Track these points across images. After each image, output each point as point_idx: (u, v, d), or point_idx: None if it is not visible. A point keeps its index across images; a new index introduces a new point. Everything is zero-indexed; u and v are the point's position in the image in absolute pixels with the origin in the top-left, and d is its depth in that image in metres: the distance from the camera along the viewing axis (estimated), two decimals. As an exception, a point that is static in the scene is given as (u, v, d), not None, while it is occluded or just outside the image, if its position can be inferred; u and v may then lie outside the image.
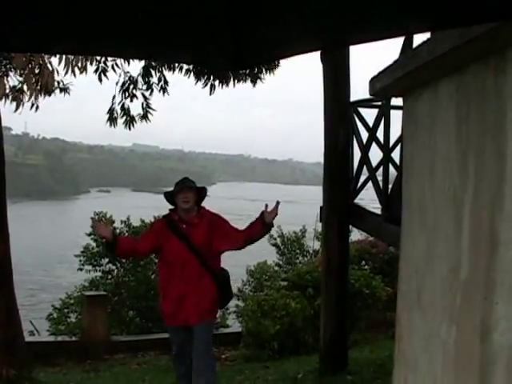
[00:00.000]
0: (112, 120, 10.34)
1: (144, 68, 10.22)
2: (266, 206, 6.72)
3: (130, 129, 10.46)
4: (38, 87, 8.63)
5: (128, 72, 10.27)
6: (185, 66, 10.25)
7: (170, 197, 7.02)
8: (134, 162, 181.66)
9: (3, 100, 8.67)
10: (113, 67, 9.93)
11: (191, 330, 6.76)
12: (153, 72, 10.34)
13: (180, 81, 10.59)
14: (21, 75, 8.74)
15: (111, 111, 10.30)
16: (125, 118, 10.35)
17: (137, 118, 10.48)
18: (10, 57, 8.91)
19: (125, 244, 6.93)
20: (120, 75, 10.16)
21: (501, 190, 2.11)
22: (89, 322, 11.96)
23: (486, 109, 2.24)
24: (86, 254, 16.23)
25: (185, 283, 6.70)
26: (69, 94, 9.92)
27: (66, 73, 8.70)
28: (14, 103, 8.76)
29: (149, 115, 10.51)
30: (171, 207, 7.06)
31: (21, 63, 8.35)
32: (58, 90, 9.51)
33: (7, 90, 8.47)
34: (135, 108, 10.55)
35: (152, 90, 10.39)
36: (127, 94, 10.25)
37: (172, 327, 7.02)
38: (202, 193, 7.03)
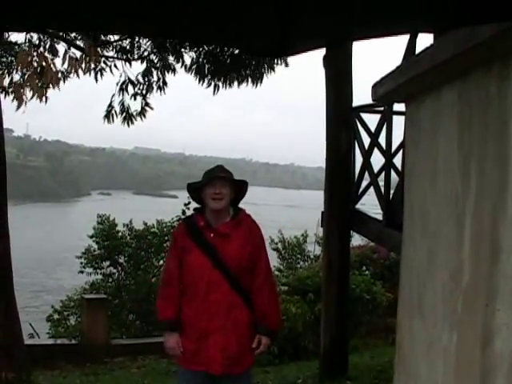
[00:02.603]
0: (109, 116, 10.37)
1: (146, 69, 10.26)
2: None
3: (128, 125, 10.47)
4: (43, 85, 8.61)
5: (125, 72, 10.32)
6: (183, 67, 10.29)
7: (195, 191, 5.13)
8: (136, 165, 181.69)
9: (5, 98, 8.67)
10: (110, 68, 9.97)
11: (214, 380, 4.96)
12: (154, 72, 10.39)
13: (182, 84, 10.65)
14: (23, 74, 8.74)
15: (109, 108, 10.34)
16: (124, 114, 10.37)
17: (134, 114, 10.52)
18: (14, 53, 8.92)
19: (178, 309, 4.97)
20: (121, 75, 10.21)
21: (503, 197, 2.11)
22: (89, 325, 11.95)
23: (488, 115, 2.24)
24: (86, 257, 16.26)
25: (208, 315, 4.85)
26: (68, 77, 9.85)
27: (70, 73, 8.71)
28: (15, 102, 8.72)
29: (145, 112, 10.56)
30: (196, 206, 5.25)
31: (24, 61, 8.35)
32: (66, 88, 9.53)
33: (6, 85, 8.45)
34: (135, 108, 10.61)
35: (152, 88, 10.42)
36: (127, 93, 10.30)
37: (187, 372, 5.03)
38: (241, 189, 5.14)
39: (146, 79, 10.34)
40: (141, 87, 10.38)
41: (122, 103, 10.40)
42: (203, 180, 5.02)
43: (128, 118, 10.43)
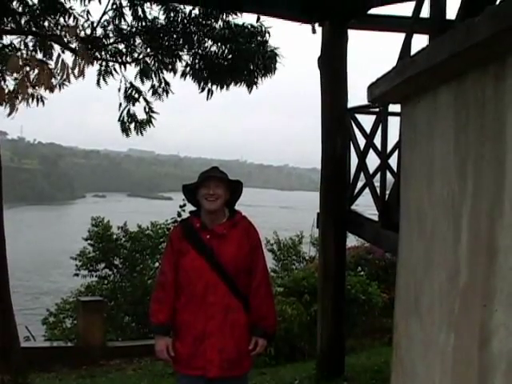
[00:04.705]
0: (126, 130, 10.17)
1: (140, 72, 10.13)
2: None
3: (142, 134, 10.23)
4: (31, 89, 8.51)
5: (125, 78, 10.19)
6: (180, 69, 10.20)
7: (190, 193, 5.11)
8: (130, 167, 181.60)
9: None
10: (111, 72, 9.87)
11: None
12: (152, 74, 10.24)
13: (176, 86, 10.52)
14: (15, 79, 8.66)
15: (122, 120, 10.14)
16: (134, 124, 10.20)
17: (144, 122, 10.34)
18: (4, 60, 8.85)
19: (171, 313, 4.96)
20: (120, 81, 10.09)
21: (500, 198, 2.12)
22: (84, 327, 11.94)
23: (484, 116, 2.25)
24: (82, 259, 16.25)
25: (206, 318, 4.82)
26: (65, 85, 9.73)
27: (61, 78, 8.60)
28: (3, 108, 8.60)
29: (152, 119, 10.35)
30: (192, 208, 5.20)
31: (16, 66, 8.28)
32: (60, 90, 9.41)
33: (5, 96, 8.35)
34: (137, 112, 10.41)
35: (159, 95, 10.27)
36: (130, 99, 10.15)
37: (184, 376, 5.01)
38: (236, 189, 5.14)
39: (143, 81, 10.19)
40: (142, 92, 10.23)
41: (128, 111, 10.20)
42: (197, 181, 5.00)
43: (139, 126, 10.25)
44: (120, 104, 10.11)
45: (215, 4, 9.37)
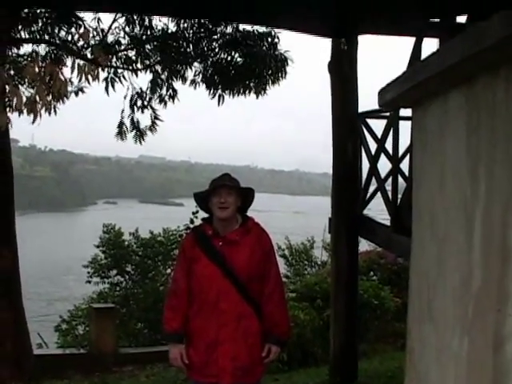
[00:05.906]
0: (121, 134, 10.26)
1: (152, 81, 10.19)
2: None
3: (140, 143, 10.30)
4: (50, 96, 8.60)
5: (133, 85, 10.22)
6: (190, 77, 10.24)
7: (201, 200, 5.13)
8: (141, 174, 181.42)
9: (16, 113, 8.64)
10: (120, 79, 9.91)
11: None
12: (161, 82, 10.30)
13: (187, 93, 10.54)
14: (32, 87, 8.72)
15: (120, 125, 10.23)
16: (134, 132, 10.26)
17: (145, 129, 10.40)
18: (20, 68, 8.92)
19: (184, 320, 4.97)
20: (128, 88, 10.13)
21: (513, 201, 2.11)
22: (97, 334, 11.96)
23: (496, 119, 2.24)
24: (94, 266, 16.29)
25: (218, 325, 4.83)
26: (83, 92, 9.85)
27: (80, 80, 8.70)
28: (27, 115, 8.67)
29: (156, 127, 10.42)
30: (204, 216, 5.23)
31: (32, 73, 8.34)
32: (71, 97, 9.49)
33: (24, 101, 8.39)
34: (144, 120, 10.47)
35: (165, 103, 10.33)
36: (136, 108, 10.19)
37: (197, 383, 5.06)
38: (248, 196, 5.15)
39: (155, 91, 10.23)
40: (148, 99, 10.28)
41: (131, 119, 10.26)
42: (208, 189, 5.02)
43: (139, 135, 10.30)
44: (122, 110, 10.16)
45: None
